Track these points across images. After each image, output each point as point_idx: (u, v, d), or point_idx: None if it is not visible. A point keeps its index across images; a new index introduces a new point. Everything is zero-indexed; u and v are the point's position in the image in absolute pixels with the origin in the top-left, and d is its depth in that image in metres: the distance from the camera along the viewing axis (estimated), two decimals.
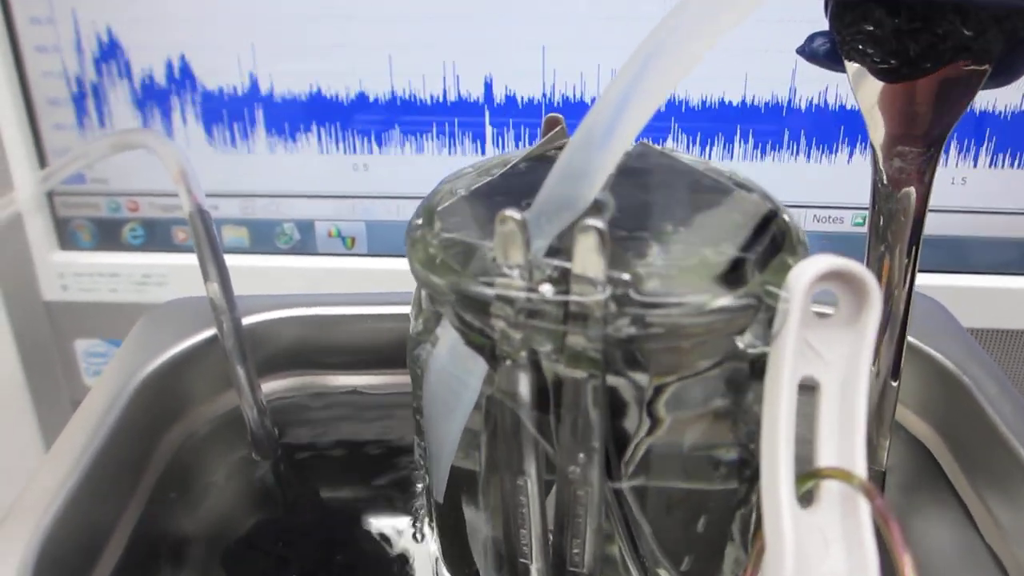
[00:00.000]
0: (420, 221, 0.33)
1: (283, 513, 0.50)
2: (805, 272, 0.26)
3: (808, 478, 0.27)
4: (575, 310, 0.27)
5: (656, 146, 0.37)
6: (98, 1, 0.68)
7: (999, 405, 0.43)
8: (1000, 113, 0.65)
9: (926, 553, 0.44)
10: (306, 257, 0.76)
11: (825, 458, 0.27)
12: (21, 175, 0.72)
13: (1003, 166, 0.66)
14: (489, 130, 0.70)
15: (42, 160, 0.73)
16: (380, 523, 0.49)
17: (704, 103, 0.67)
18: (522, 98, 0.68)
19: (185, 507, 0.48)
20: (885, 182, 0.34)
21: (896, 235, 0.35)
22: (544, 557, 0.32)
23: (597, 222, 0.26)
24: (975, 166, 0.66)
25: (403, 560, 0.47)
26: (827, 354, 0.27)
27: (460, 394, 0.32)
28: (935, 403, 0.47)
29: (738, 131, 0.68)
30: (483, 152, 0.70)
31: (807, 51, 0.35)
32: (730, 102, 0.67)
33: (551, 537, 0.32)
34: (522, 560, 0.32)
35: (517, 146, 0.70)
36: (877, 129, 0.34)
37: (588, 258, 0.26)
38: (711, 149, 0.69)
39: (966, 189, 0.67)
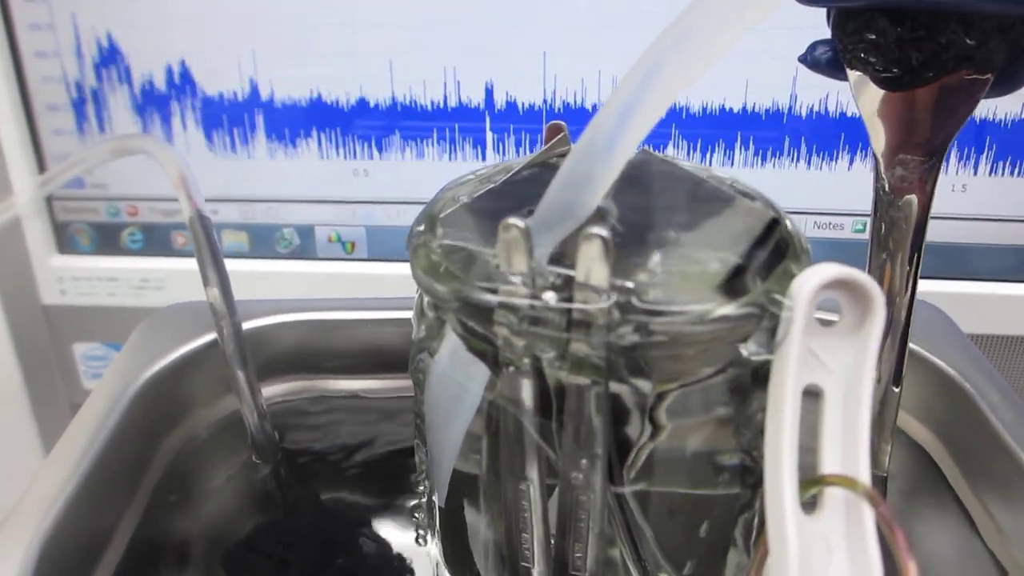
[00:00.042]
0: (422, 228, 0.33)
1: (283, 516, 0.50)
2: (809, 281, 0.26)
3: (812, 484, 0.27)
4: (578, 317, 0.27)
5: (658, 153, 0.37)
6: (98, 7, 0.68)
7: (1000, 411, 0.43)
8: (1000, 121, 0.65)
9: (928, 558, 0.44)
10: (306, 262, 0.76)
11: (829, 465, 0.27)
12: (20, 180, 0.72)
13: (1003, 174, 0.66)
14: (490, 136, 0.70)
15: (41, 165, 0.73)
16: (381, 526, 0.49)
17: (705, 110, 0.67)
18: (523, 104, 0.68)
19: (185, 511, 0.48)
20: (887, 190, 0.34)
21: (898, 242, 0.35)
22: (546, 561, 0.32)
23: (601, 230, 0.26)
24: (975, 173, 0.66)
25: (404, 563, 0.47)
26: (831, 362, 0.27)
27: (462, 400, 0.32)
28: (936, 409, 0.47)
29: (739, 138, 0.68)
30: (484, 158, 0.70)
31: (809, 59, 0.35)
32: (731, 109, 0.67)
33: (553, 541, 0.32)
34: (524, 564, 0.32)
35: (518, 152, 0.70)
36: (879, 137, 0.34)
37: (592, 266, 0.26)
38: (711, 156, 0.69)
39: (966, 196, 0.67)
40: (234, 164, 0.72)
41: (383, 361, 0.53)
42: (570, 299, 0.27)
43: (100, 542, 0.42)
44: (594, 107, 0.68)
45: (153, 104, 0.71)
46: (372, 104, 0.69)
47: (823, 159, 0.68)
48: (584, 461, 0.29)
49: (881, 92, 0.33)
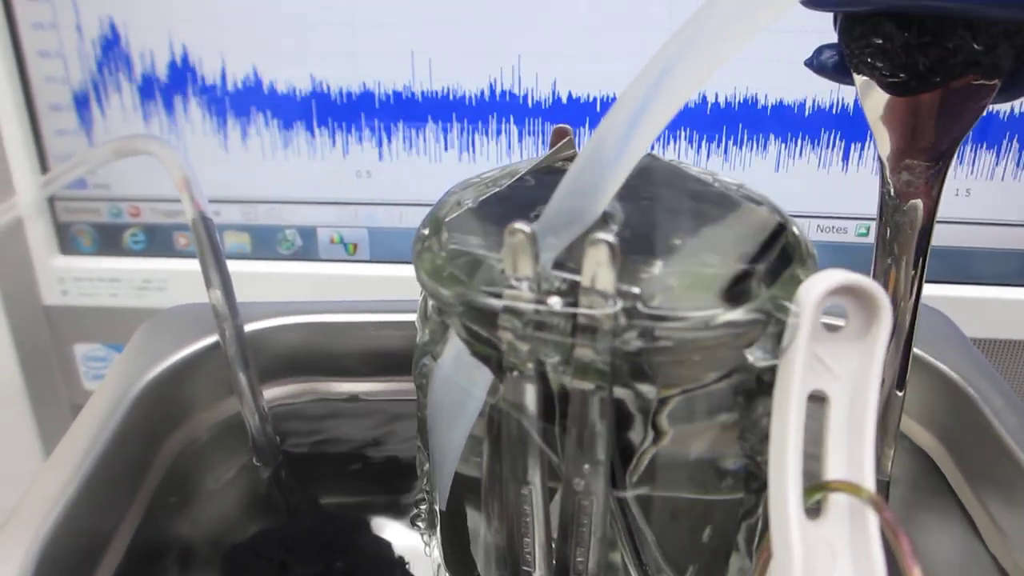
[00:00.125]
0: (427, 231, 0.33)
1: (284, 519, 0.50)
2: (815, 287, 0.26)
3: (816, 490, 0.27)
4: (584, 322, 0.27)
5: (664, 158, 0.37)
6: (101, 6, 0.68)
7: (1003, 416, 0.43)
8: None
9: (930, 562, 0.44)
10: (308, 263, 0.76)
11: (833, 470, 0.27)
12: (23, 180, 0.72)
13: (1007, 178, 0.66)
14: (495, 138, 0.70)
15: (44, 165, 0.73)
16: (382, 529, 0.49)
17: (707, 110, 0.67)
18: (528, 106, 0.68)
19: (186, 513, 0.48)
20: (892, 194, 0.34)
21: (903, 247, 0.35)
22: (547, 565, 0.32)
23: (608, 235, 0.26)
24: (978, 177, 0.66)
25: (405, 566, 0.46)
26: (836, 368, 0.27)
27: (464, 403, 0.32)
28: (939, 413, 0.47)
29: (740, 139, 0.68)
30: (488, 160, 0.70)
31: (815, 63, 0.35)
32: (734, 111, 0.67)
33: (554, 545, 0.31)
34: (525, 568, 0.32)
35: (522, 155, 0.70)
36: (884, 142, 0.34)
37: (598, 271, 0.26)
38: (713, 157, 0.69)
39: (970, 200, 0.67)
40: (237, 164, 0.72)
41: (385, 364, 0.53)
42: (575, 304, 0.27)
43: (100, 544, 0.42)
44: (600, 106, 0.67)
45: (156, 104, 0.71)
46: (376, 105, 0.69)
47: (827, 162, 0.68)
48: (587, 466, 0.29)
49: (886, 97, 0.33)
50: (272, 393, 0.52)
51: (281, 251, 0.75)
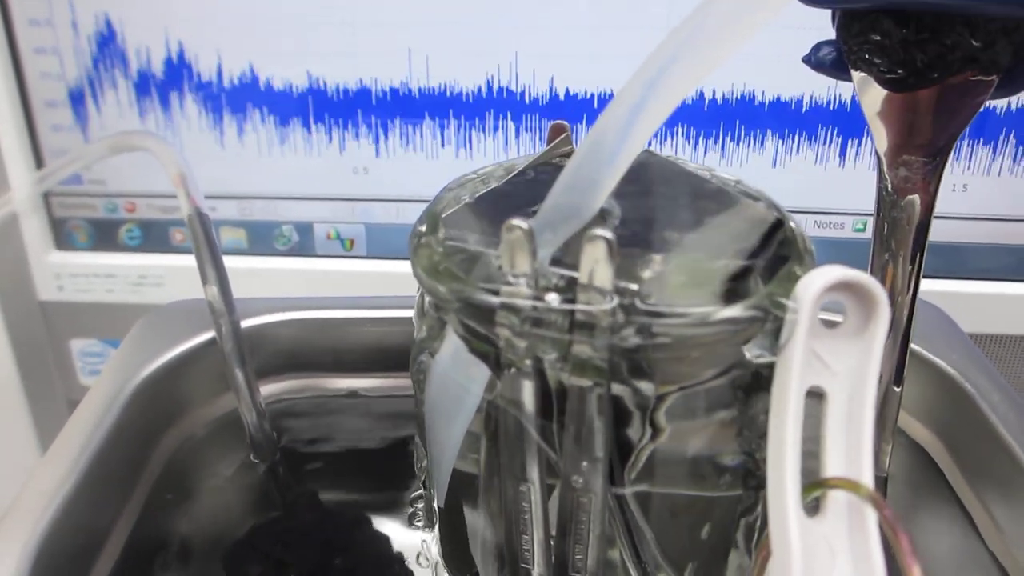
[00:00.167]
0: (424, 228, 0.33)
1: (282, 516, 0.50)
2: (813, 283, 0.26)
3: (815, 487, 0.27)
4: (581, 319, 0.27)
5: (661, 154, 0.37)
6: (97, 3, 0.68)
7: (1000, 411, 0.43)
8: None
9: (928, 559, 0.44)
10: (305, 259, 0.75)
11: (832, 467, 0.27)
12: (18, 175, 0.72)
13: (1004, 173, 0.66)
14: (492, 135, 0.69)
15: (39, 161, 0.73)
16: (380, 526, 0.49)
17: (705, 106, 0.67)
18: (524, 102, 0.68)
19: (183, 510, 0.48)
20: (890, 190, 0.34)
21: (900, 243, 0.35)
22: (546, 562, 0.32)
23: (605, 232, 0.26)
24: (975, 172, 0.66)
25: (403, 563, 0.46)
26: (834, 364, 0.27)
27: (462, 400, 0.32)
28: (937, 409, 0.47)
29: (738, 135, 0.68)
30: (485, 157, 0.70)
31: (813, 60, 0.35)
32: (732, 107, 0.67)
33: (553, 542, 0.31)
34: (524, 565, 0.32)
35: (519, 151, 0.70)
36: (881, 138, 0.34)
37: (595, 267, 0.26)
38: (711, 153, 0.69)
39: (967, 196, 0.67)
40: (233, 160, 0.72)
41: (382, 359, 0.53)
42: (573, 301, 0.27)
43: (97, 540, 0.42)
44: (600, 104, 0.67)
45: (151, 100, 0.71)
46: (372, 101, 0.69)
47: (824, 158, 0.68)
48: (585, 463, 0.29)
49: (884, 93, 0.33)
50: (269, 389, 0.52)
51: (277, 247, 0.75)
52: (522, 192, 0.35)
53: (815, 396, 0.27)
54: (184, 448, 0.49)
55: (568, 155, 0.36)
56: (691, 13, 0.27)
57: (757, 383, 0.30)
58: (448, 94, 0.69)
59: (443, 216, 0.33)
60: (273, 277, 0.75)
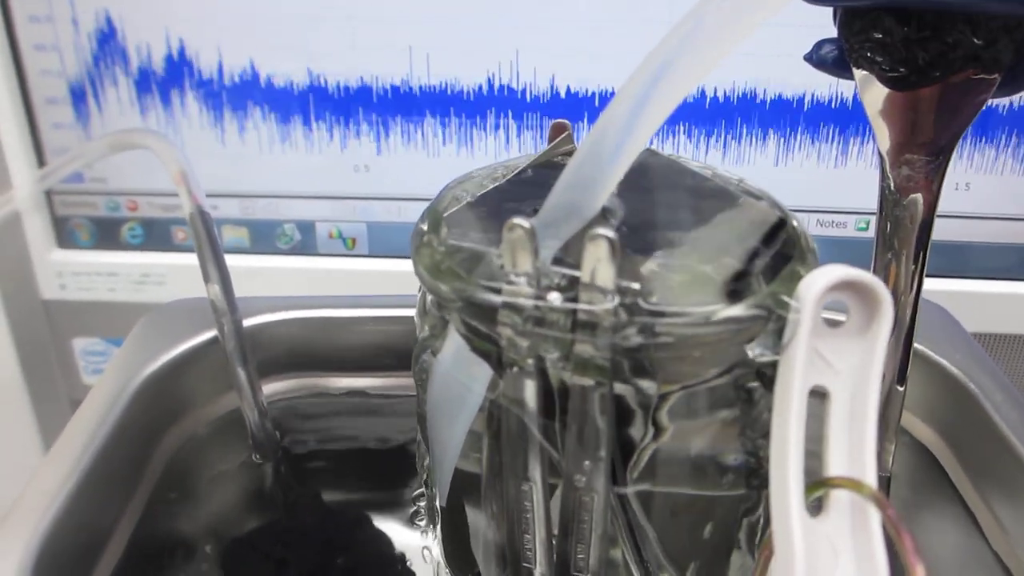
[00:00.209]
0: (426, 226, 0.33)
1: (284, 515, 0.50)
2: (816, 282, 0.26)
3: (818, 487, 0.27)
4: (583, 318, 0.27)
5: (663, 152, 0.37)
6: (97, 0, 0.68)
7: (1004, 411, 0.43)
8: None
9: (931, 559, 0.43)
10: (307, 258, 0.75)
11: (835, 467, 0.27)
12: (20, 174, 0.72)
13: (1007, 172, 0.66)
14: (493, 133, 0.69)
15: (40, 159, 0.73)
16: (382, 525, 0.48)
17: (706, 104, 0.67)
18: (527, 101, 0.68)
19: (185, 508, 0.48)
20: (892, 189, 0.34)
21: (903, 242, 0.35)
22: (548, 562, 0.32)
23: (607, 231, 0.26)
24: (978, 171, 0.66)
25: (405, 563, 0.46)
26: (837, 363, 0.27)
27: (464, 399, 0.32)
28: (940, 409, 0.47)
29: (740, 133, 0.68)
30: (487, 155, 0.70)
31: (815, 58, 0.34)
32: (733, 105, 0.67)
33: (555, 542, 0.31)
34: (526, 565, 0.32)
35: (520, 150, 0.70)
36: (884, 137, 0.33)
37: (598, 266, 0.26)
38: (712, 152, 0.69)
39: (970, 194, 0.67)
40: (234, 158, 0.72)
41: (384, 358, 0.53)
42: (575, 300, 0.27)
43: (100, 539, 0.42)
44: (601, 103, 0.67)
45: (153, 98, 0.71)
46: (374, 99, 0.69)
47: (826, 157, 0.68)
48: (587, 462, 0.29)
49: (886, 91, 0.32)
50: (271, 388, 0.52)
51: (279, 245, 0.75)
52: (524, 191, 0.34)
53: (818, 395, 0.27)
54: (186, 447, 0.49)
55: (569, 154, 0.36)
56: (691, 10, 0.27)
57: (760, 382, 0.30)
58: (449, 92, 0.68)
59: (445, 215, 0.33)
60: (275, 276, 0.75)
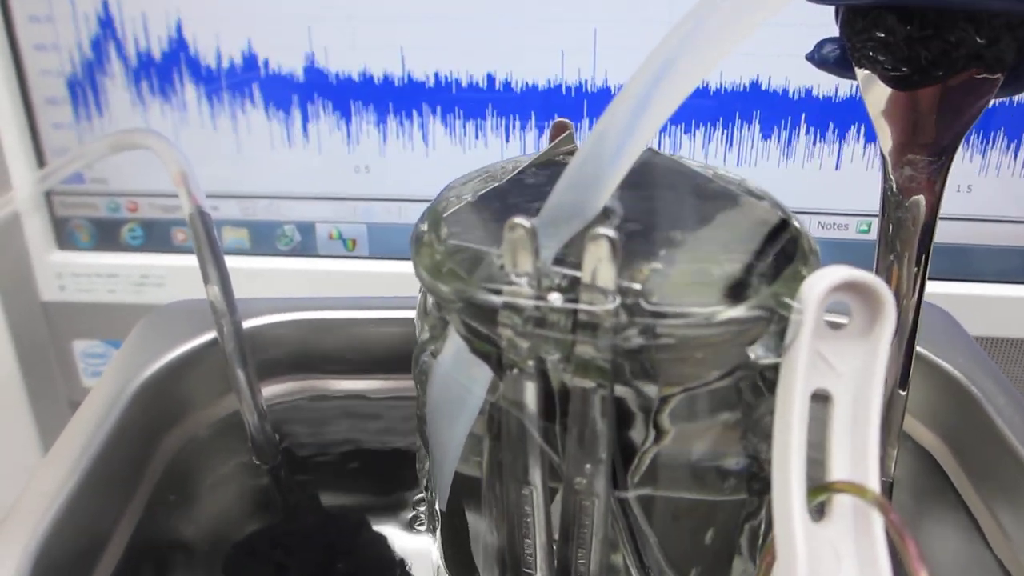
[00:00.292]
0: (426, 226, 0.33)
1: (283, 518, 0.50)
2: (818, 283, 0.26)
3: (820, 491, 0.27)
4: (584, 319, 0.27)
5: (665, 152, 0.37)
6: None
7: (1007, 415, 0.43)
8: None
9: (933, 564, 0.43)
10: (307, 259, 0.75)
11: (837, 471, 0.27)
12: (19, 174, 0.72)
13: (1008, 174, 0.66)
14: (494, 133, 0.69)
15: (40, 159, 0.73)
16: (381, 529, 0.48)
17: (708, 105, 0.67)
18: (526, 99, 0.68)
19: (184, 512, 0.48)
20: (895, 190, 0.34)
21: (905, 243, 0.34)
22: (548, 566, 0.31)
23: (608, 231, 0.25)
24: (980, 173, 0.66)
25: (404, 566, 0.46)
26: (840, 366, 0.27)
27: (464, 401, 0.32)
28: (942, 412, 0.46)
29: (741, 134, 0.67)
30: (488, 155, 0.70)
31: (817, 57, 0.34)
32: (735, 106, 0.67)
33: (555, 546, 0.31)
34: (526, 569, 0.32)
35: (522, 150, 0.70)
36: (886, 137, 0.33)
37: (598, 267, 0.26)
38: (713, 152, 0.68)
39: (972, 197, 0.67)
40: (235, 159, 0.72)
41: (385, 361, 0.53)
42: (576, 300, 0.27)
43: (99, 542, 0.42)
44: (603, 102, 0.67)
45: (153, 98, 0.70)
46: (375, 101, 0.69)
47: (828, 158, 0.67)
48: (588, 465, 0.29)
49: (888, 91, 0.32)
50: (271, 390, 0.52)
51: (280, 247, 0.75)
52: (524, 191, 0.34)
53: (820, 399, 0.27)
54: (186, 449, 0.49)
55: (571, 153, 0.36)
56: (692, 9, 0.27)
57: (762, 385, 0.30)
58: (450, 92, 0.68)
59: (445, 215, 0.33)
60: (275, 277, 0.75)
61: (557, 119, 0.37)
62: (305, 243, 0.75)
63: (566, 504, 0.30)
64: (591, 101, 0.67)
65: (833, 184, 0.68)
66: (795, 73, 0.65)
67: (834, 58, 0.34)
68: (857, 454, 0.27)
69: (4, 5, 0.68)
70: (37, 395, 0.80)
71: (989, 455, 0.43)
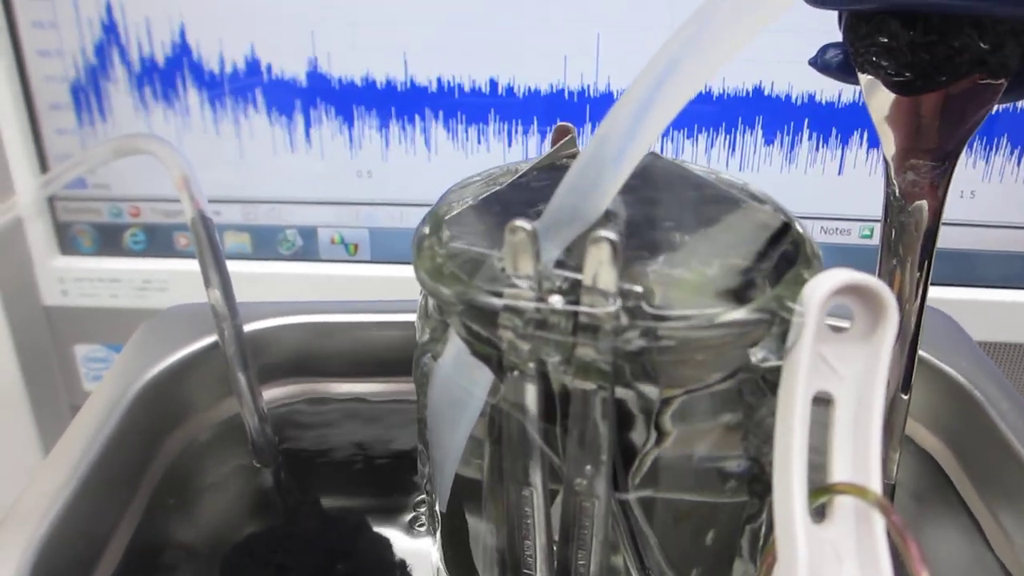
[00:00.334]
0: (427, 230, 0.33)
1: (283, 521, 0.49)
2: (821, 286, 0.25)
3: (822, 493, 0.26)
4: (585, 322, 0.27)
5: (667, 156, 0.37)
6: (101, 5, 0.68)
7: (1009, 419, 0.43)
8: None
9: (936, 568, 0.43)
10: (308, 264, 0.75)
11: (839, 473, 0.27)
12: (22, 179, 0.72)
13: (1011, 179, 0.66)
14: (496, 137, 0.69)
15: (43, 165, 0.73)
16: (381, 531, 0.48)
17: (710, 109, 0.67)
18: (528, 103, 0.68)
19: (184, 514, 0.48)
20: (898, 195, 0.34)
21: (908, 248, 0.34)
22: (548, 568, 0.31)
23: (610, 233, 0.25)
24: (983, 178, 0.66)
25: (405, 568, 0.46)
26: (842, 369, 0.27)
27: (465, 404, 0.32)
28: (945, 417, 0.46)
29: (746, 139, 0.67)
30: (490, 159, 0.70)
31: (820, 62, 0.34)
32: (737, 110, 0.67)
33: (556, 548, 0.31)
34: (526, 571, 0.32)
35: (524, 153, 0.70)
36: (889, 142, 0.33)
37: (600, 269, 0.26)
38: (716, 156, 0.68)
39: (975, 202, 0.67)
40: (237, 164, 0.72)
41: (385, 364, 0.53)
42: (577, 303, 0.27)
43: (99, 544, 0.42)
44: (605, 105, 0.67)
45: (156, 104, 0.71)
46: (377, 106, 0.69)
47: (831, 163, 0.67)
48: (588, 467, 0.29)
49: (892, 96, 0.32)
50: (271, 394, 0.52)
51: (281, 251, 0.75)
52: (526, 194, 0.34)
53: (822, 402, 0.27)
54: (186, 452, 0.49)
55: (573, 157, 0.36)
56: (694, 14, 0.27)
57: (764, 387, 0.30)
58: (453, 97, 0.68)
59: (446, 218, 0.33)
60: (277, 282, 0.75)
61: (559, 123, 0.37)
62: (307, 248, 0.75)
63: (566, 506, 0.30)
64: (593, 106, 0.67)
65: (836, 189, 0.68)
66: (798, 78, 0.65)
67: (837, 63, 0.34)
68: (859, 456, 0.27)
69: (8, 10, 0.68)
70: (38, 399, 0.80)
71: (992, 459, 0.43)
